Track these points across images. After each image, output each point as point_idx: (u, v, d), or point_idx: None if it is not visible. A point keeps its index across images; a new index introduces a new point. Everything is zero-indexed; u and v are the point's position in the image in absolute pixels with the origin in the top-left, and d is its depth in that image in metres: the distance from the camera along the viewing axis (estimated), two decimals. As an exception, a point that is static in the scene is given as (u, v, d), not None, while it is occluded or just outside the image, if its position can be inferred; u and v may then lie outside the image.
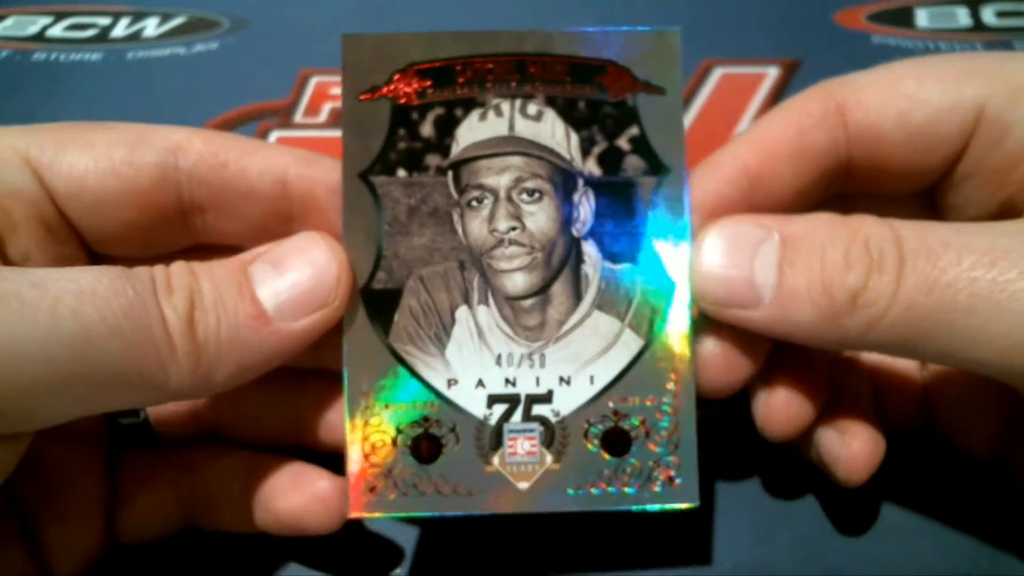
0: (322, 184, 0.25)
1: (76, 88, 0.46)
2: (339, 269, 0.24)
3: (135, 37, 0.50)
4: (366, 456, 0.24)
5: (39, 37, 0.50)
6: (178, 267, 0.22)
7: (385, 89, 0.25)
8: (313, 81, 0.45)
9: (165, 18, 0.51)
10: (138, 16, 0.51)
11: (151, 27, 0.50)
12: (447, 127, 0.25)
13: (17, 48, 0.49)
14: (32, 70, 0.47)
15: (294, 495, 0.25)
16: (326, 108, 0.43)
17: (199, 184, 0.24)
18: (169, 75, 0.46)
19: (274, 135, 0.42)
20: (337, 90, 0.45)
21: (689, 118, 0.42)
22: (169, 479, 0.26)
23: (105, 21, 0.51)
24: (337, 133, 0.41)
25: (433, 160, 0.25)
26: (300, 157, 0.25)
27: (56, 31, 0.50)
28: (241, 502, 0.25)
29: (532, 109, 0.25)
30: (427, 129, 0.25)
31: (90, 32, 0.50)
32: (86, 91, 0.45)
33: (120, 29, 0.50)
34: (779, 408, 0.25)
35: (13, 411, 0.20)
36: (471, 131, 0.25)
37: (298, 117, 0.43)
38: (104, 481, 0.26)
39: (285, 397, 0.27)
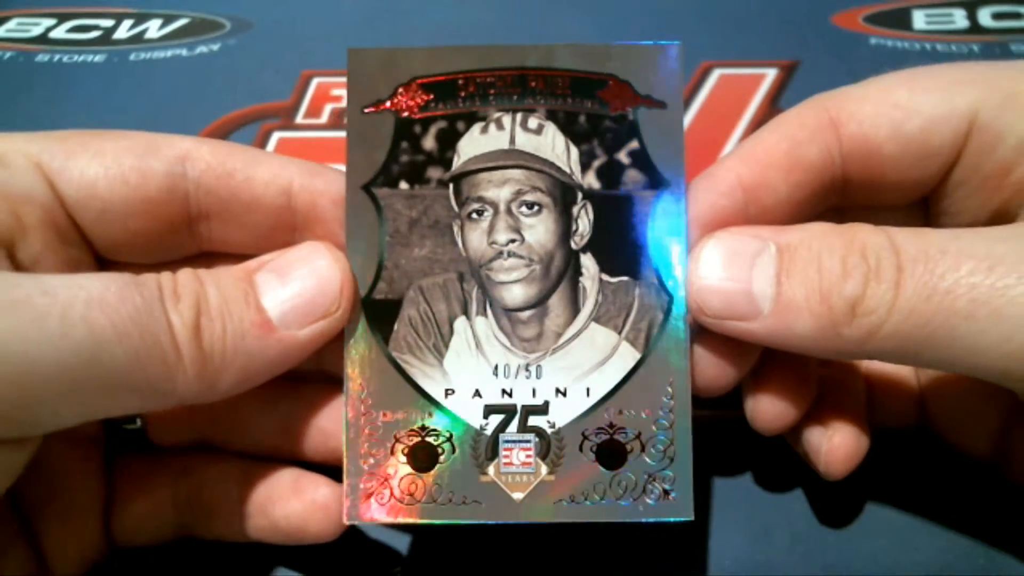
0: (326, 195, 0.25)
1: (79, 89, 0.46)
2: (342, 279, 0.24)
3: (138, 39, 0.50)
4: (363, 463, 0.25)
5: (42, 39, 0.50)
6: (185, 274, 0.23)
7: (389, 102, 0.26)
8: (314, 83, 0.45)
9: (167, 20, 0.51)
10: (141, 18, 0.51)
11: (153, 29, 0.50)
12: (449, 140, 0.26)
13: (20, 50, 0.49)
14: (35, 71, 0.47)
15: (294, 501, 0.25)
16: (327, 109, 0.44)
17: (206, 193, 0.25)
18: (171, 76, 0.46)
19: (276, 136, 0.43)
20: (338, 91, 0.45)
21: (688, 119, 0.42)
22: (165, 483, 0.26)
23: (108, 23, 0.51)
24: (338, 134, 0.41)
25: (435, 173, 0.26)
26: (305, 168, 0.25)
27: (59, 33, 0.50)
28: (237, 509, 0.26)
29: (533, 123, 0.26)
30: (429, 142, 0.26)
31: (93, 34, 0.50)
32: (89, 92, 0.46)
33: (123, 31, 0.50)
34: (767, 404, 0.25)
35: (24, 415, 0.20)
36: (472, 144, 0.26)
37: (299, 118, 0.43)
38: (102, 483, 0.26)
39: (280, 405, 0.27)
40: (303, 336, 0.23)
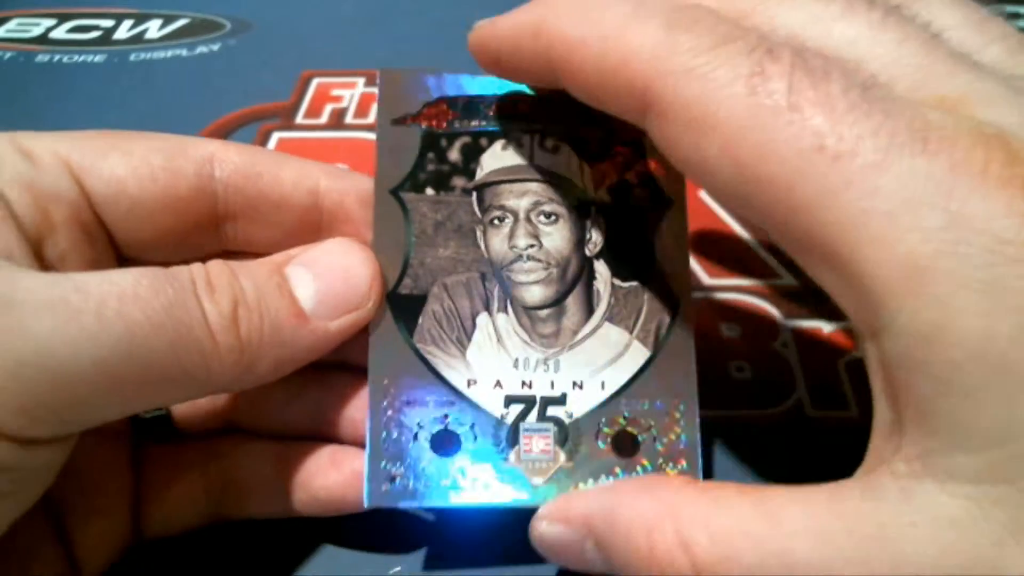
0: (352, 195, 0.26)
1: (79, 89, 0.46)
2: (372, 273, 0.25)
3: (138, 39, 0.50)
4: (385, 449, 0.26)
5: (42, 39, 0.50)
6: (217, 266, 0.23)
7: (416, 118, 0.27)
8: (314, 83, 0.46)
9: (167, 20, 0.51)
10: (141, 18, 0.52)
11: (153, 29, 0.51)
12: (473, 154, 0.27)
13: (21, 50, 0.49)
14: (35, 71, 0.47)
15: (333, 474, 0.26)
16: (327, 109, 0.44)
17: (235, 192, 0.25)
18: (171, 76, 0.47)
19: (275, 136, 0.43)
20: (338, 92, 0.45)
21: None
22: (196, 469, 0.27)
23: (108, 23, 0.52)
24: (338, 134, 0.42)
25: (459, 182, 0.27)
26: (331, 170, 0.27)
27: (59, 33, 0.51)
28: (273, 486, 0.26)
29: (549, 143, 0.28)
30: (454, 155, 0.27)
31: (93, 34, 0.50)
32: (89, 92, 0.46)
33: (123, 31, 0.51)
34: None
35: (67, 414, 0.20)
36: (494, 158, 0.27)
37: (299, 118, 0.44)
38: (131, 476, 0.26)
39: (307, 392, 0.27)
40: (334, 327, 0.24)
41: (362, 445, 0.26)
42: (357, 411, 0.27)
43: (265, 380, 0.24)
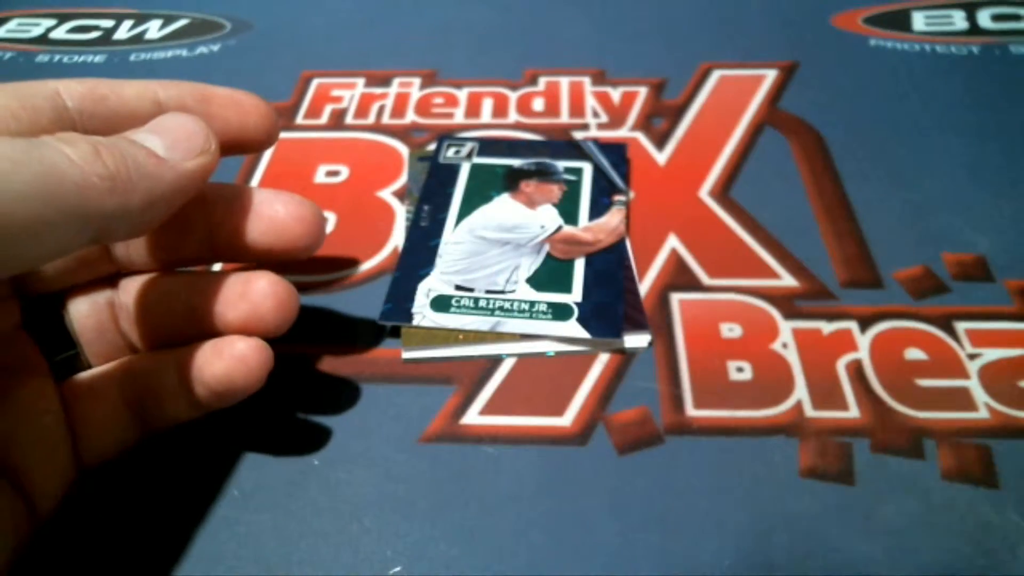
0: (188, 96, 0.28)
1: (79, 90, 0.46)
2: (205, 126, 0.26)
3: (138, 39, 0.50)
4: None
5: (43, 39, 0.50)
6: (67, 132, 0.24)
7: None
8: (314, 83, 0.45)
9: (168, 20, 0.52)
10: (141, 18, 0.52)
11: (154, 29, 0.51)
12: None
13: (21, 50, 0.50)
14: (35, 72, 0.48)
15: (218, 362, 0.27)
16: (327, 110, 0.44)
17: (90, 117, 0.26)
18: (172, 77, 0.46)
19: (276, 137, 0.43)
20: (338, 92, 0.45)
21: (688, 120, 0.42)
22: (115, 388, 0.28)
23: (108, 23, 0.52)
24: (338, 135, 0.42)
25: None
26: (163, 82, 0.28)
27: (59, 33, 0.51)
28: (178, 388, 0.28)
29: None
30: None
31: (93, 34, 0.51)
32: (89, 93, 0.46)
33: (123, 31, 0.51)
34: None
35: None
36: None
37: (300, 119, 0.43)
38: (60, 406, 0.27)
39: (178, 297, 0.29)
40: (191, 166, 0.25)
41: (233, 333, 0.27)
42: (218, 304, 0.28)
43: (148, 216, 0.24)
